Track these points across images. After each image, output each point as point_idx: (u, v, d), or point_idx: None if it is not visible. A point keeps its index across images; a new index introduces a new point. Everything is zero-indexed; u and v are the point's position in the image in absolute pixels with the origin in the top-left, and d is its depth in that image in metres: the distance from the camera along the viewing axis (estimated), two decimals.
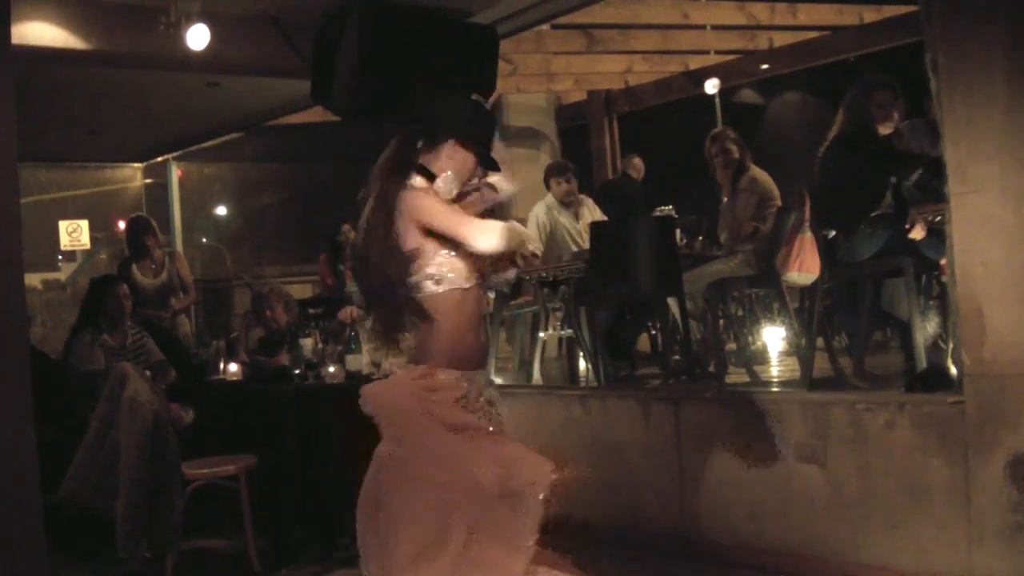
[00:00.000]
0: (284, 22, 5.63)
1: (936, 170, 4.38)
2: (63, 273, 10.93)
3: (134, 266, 7.64)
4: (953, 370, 4.35)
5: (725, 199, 6.64)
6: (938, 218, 4.54)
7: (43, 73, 6.09)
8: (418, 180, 3.03)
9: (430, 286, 2.96)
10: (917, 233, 4.70)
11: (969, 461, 3.95)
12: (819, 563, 4.47)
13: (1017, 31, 3.76)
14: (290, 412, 5.49)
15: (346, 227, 8.33)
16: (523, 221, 7.62)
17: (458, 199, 3.10)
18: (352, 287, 7.98)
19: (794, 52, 9.73)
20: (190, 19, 5.72)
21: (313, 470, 5.29)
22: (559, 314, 6.92)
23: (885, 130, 5.16)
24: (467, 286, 3.01)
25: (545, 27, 8.16)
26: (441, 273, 2.96)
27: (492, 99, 5.35)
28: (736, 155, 6.50)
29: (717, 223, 6.77)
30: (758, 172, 6.60)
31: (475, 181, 3.15)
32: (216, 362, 6.51)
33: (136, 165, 10.56)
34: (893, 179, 5.18)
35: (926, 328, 4.86)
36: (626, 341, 7.22)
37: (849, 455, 4.38)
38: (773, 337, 7.12)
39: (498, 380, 7.13)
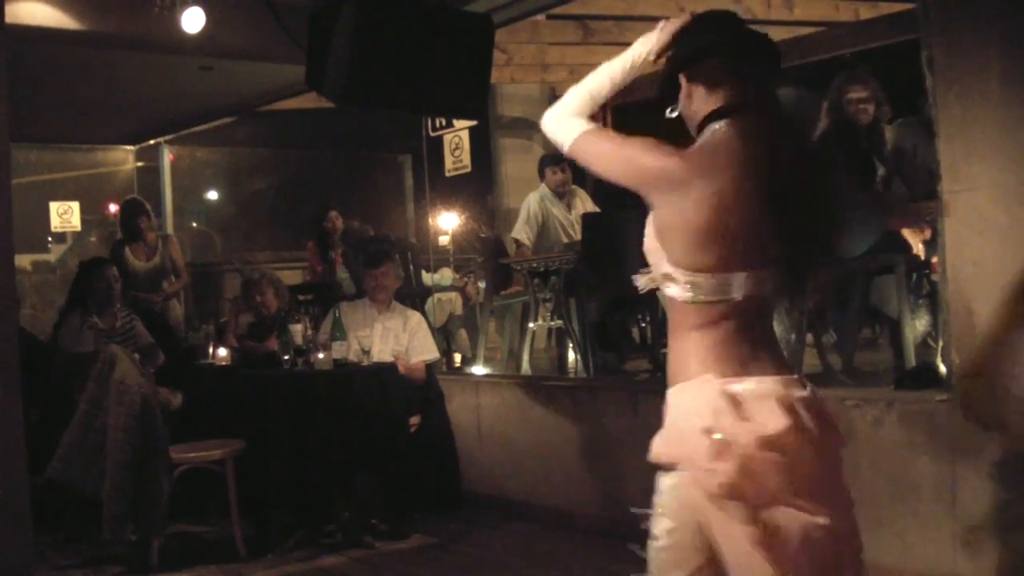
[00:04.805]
0: (278, 6, 5.60)
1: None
2: (53, 255, 10.91)
3: (127, 249, 7.60)
4: (942, 368, 4.36)
5: None
6: (928, 217, 4.55)
7: (36, 53, 6.04)
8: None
9: None
10: (897, 224, 4.73)
11: (956, 459, 3.96)
12: None
13: (1013, 30, 3.76)
14: (278, 398, 5.49)
15: (333, 214, 8.23)
16: (515, 211, 7.63)
17: None
18: (343, 273, 7.98)
19: (789, 47, 9.72)
20: (185, 2, 5.70)
21: (300, 456, 5.29)
22: (549, 305, 6.92)
23: (863, 120, 5.20)
24: None
25: (540, 17, 8.14)
26: None
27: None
28: None
29: None
30: None
31: None
32: (205, 347, 6.50)
33: (128, 148, 10.50)
34: (881, 174, 5.20)
35: (916, 326, 4.87)
36: (616, 333, 7.22)
37: None
38: None
39: (486, 370, 7.16)
